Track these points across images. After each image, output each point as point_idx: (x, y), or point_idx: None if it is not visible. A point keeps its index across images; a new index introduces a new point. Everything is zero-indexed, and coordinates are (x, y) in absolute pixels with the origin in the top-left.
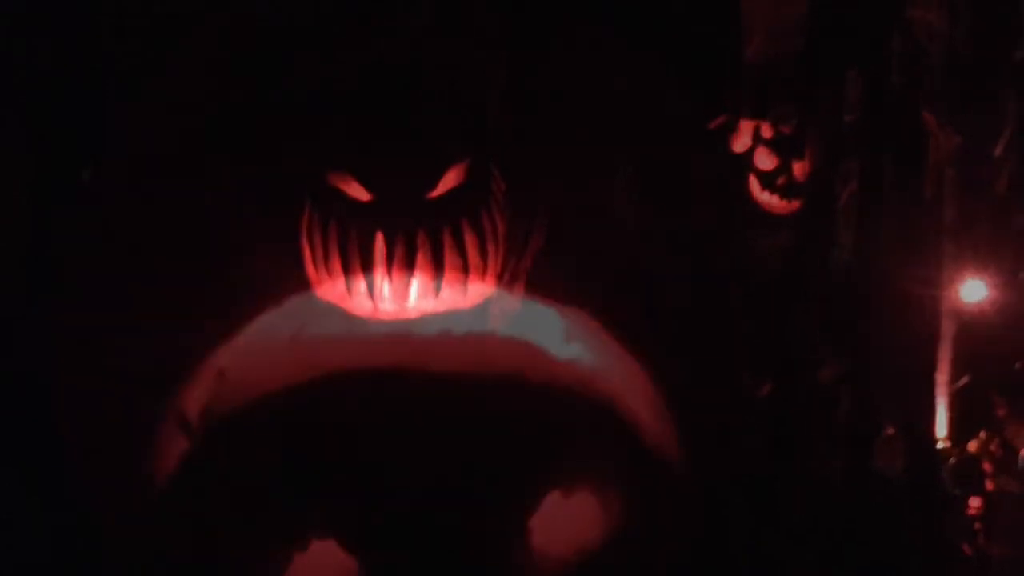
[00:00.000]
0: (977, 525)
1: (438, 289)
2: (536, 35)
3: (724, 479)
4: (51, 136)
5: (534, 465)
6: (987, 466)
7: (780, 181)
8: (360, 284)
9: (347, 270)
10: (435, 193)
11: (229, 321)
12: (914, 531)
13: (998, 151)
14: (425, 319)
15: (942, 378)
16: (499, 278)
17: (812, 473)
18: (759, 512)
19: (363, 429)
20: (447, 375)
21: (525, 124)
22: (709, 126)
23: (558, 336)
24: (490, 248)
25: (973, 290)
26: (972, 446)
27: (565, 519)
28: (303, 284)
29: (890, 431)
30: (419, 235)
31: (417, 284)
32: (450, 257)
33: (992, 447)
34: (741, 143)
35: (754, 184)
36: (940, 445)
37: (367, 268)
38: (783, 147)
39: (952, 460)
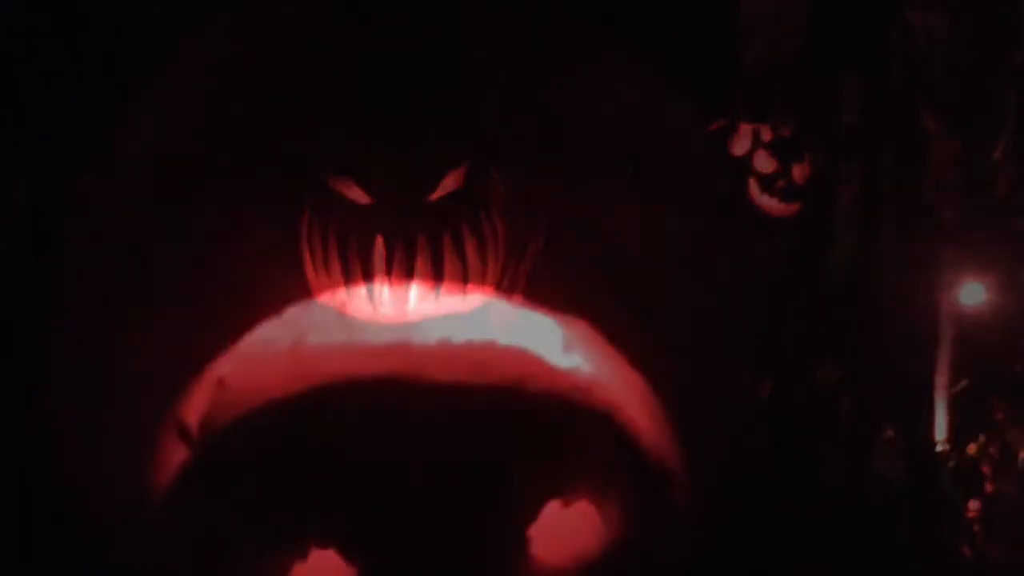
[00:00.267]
0: (976, 528)
1: (438, 293)
2: (537, 36)
3: (725, 488)
4: (51, 137)
5: (533, 474)
6: (986, 469)
7: (779, 184)
8: (360, 289)
9: (347, 274)
10: (435, 196)
11: (229, 330)
12: (913, 533)
13: (998, 154)
14: (425, 325)
15: (941, 381)
16: (499, 283)
17: (811, 475)
18: (759, 514)
19: (363, 438)
20: (446, 384)
21: (525, 128)
22: (708, 129)
23: (557, 345)
24: (490, 252)
25: (973, 293)
26: (971, 449)
27: (564, 528)
28: (303, 292)
29: (889, 433)
30: (419, 239)
31: (417, 288)
32: (450, 261)
33: (991, 450)
34: (740, 146)
35: (753, 187)
36: (939, 448)
37: (367, 272)
38: (783, 150)
39: (951, 463)
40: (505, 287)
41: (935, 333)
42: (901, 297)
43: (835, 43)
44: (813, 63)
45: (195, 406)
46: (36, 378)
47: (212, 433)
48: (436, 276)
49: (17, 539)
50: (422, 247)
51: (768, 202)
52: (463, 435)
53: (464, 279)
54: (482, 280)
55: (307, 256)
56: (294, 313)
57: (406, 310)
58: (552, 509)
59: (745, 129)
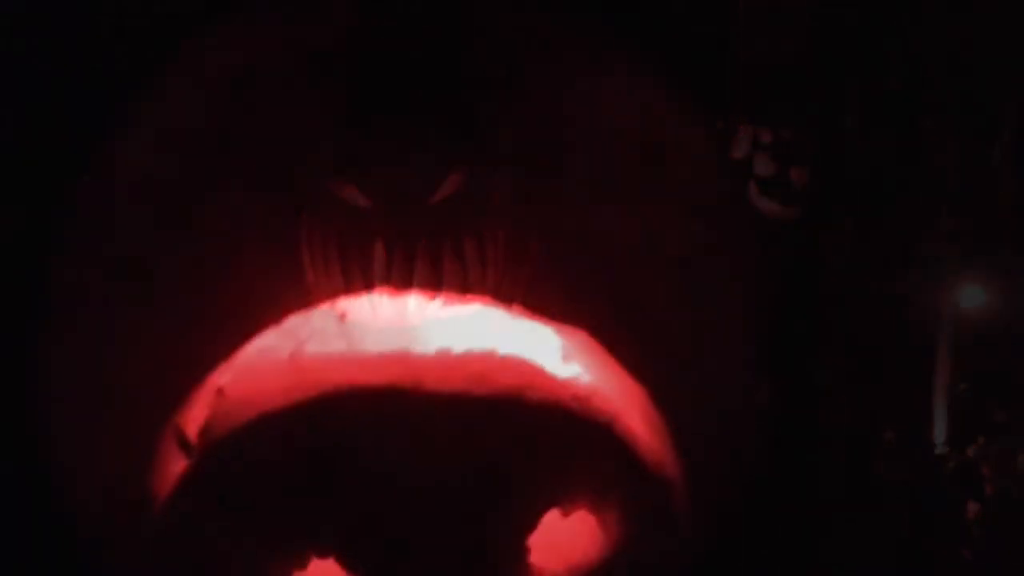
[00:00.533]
0: (976, 530)
1: (438, 301)
2: (537, 38)
3: (725, 497)
4: (51, 137)
5: (533, 483)
6: (986, 471)
7: (779, 187)
8: (360, 297)
9: (347, 281)
10: (435, 200)
11: (228, 339)
12: (913, 536)
13: (997, 156)
14: (425, 334)
15: (941, 383)
16: (499, 291)
17: (811, 478)
18: (758, 518)
19: (362, 447)
20: (446, 393)
21: (525, 132)
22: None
23: (557, 355)
24: (490, 259)
25: (972, 296)
26: (971, 451)
27: (563, 537)
28: (303, 301)
29: (889, 436)
30: (419, 244)
31: (417, 296)
32: (450, 267)
33: (991, 452)
34: (740, 149)
35: (753, 190)
36: (939, 450)
37: (367, 279)
38: (782, 153)
39: (951, 465)
40: (504, 295)
41: (934, 336)
42: (901, 299)
43: (835, 47)
44: (813, 67)
45: (194, 415)
46: (35, 385)
47: (211, 443)
48: (436, 283)
49: (17, 541)
50: (422, 253)
51: (768, 205)
52: (463, 444)
53: (464, 286)
54: (482, 288)
55: (307, 263)
56: (293, 322)
57: (406, 318)
58: (551, 518)
59: (744, 132)
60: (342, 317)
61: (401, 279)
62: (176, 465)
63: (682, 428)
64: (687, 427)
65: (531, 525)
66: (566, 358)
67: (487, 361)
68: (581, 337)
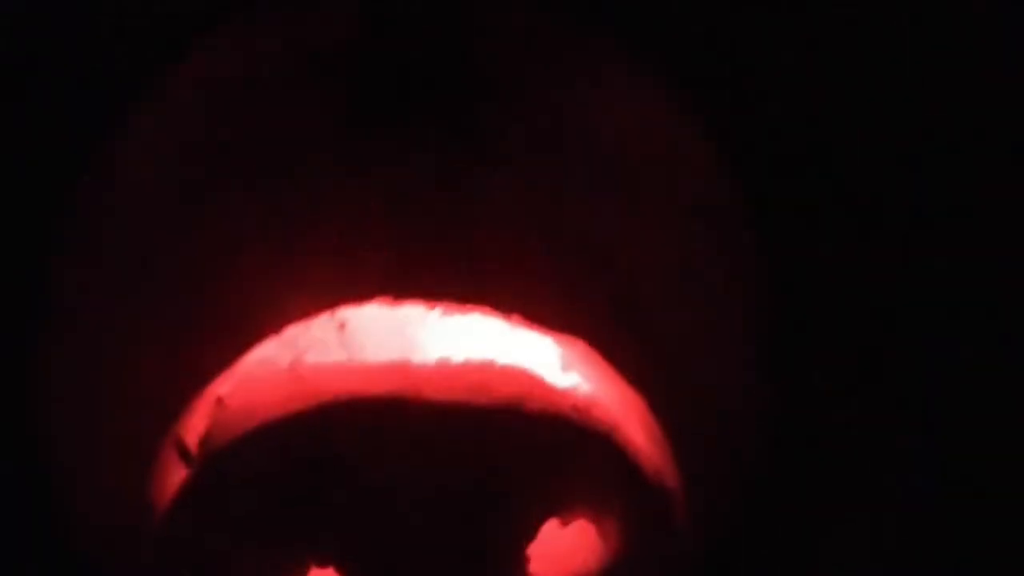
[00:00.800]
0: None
1: (438, 308)
2: (537, 42)
3: (725, 506)
4: (51, 138)
5: (532, 493)
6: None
7: None
8: (360, 304)
9: (346, 291)
10: (435, 206)
11: (229, 349)
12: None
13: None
14: (424, 344)
15: (941, 385)
16: (498, 298)
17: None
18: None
19: (362, 457)
20: (445, 403)
21: (525, 138)
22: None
23: (556, 365)
24: (490, 268)
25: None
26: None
27: (562, 547)
28: (302, 311)
29: (891, 438)
30: (420, 251)
31: (417, 305)
32: (451, 276)
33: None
34: None
35: None
36: (938, 452)
37: (367, 288)
38: None
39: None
40: (503, 305)
41: (934, 338)
42: (900, 302)
43: (835, 49)
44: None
45: (194, 425)
46: (34, 393)
47: (211, 452)
48: (436, 292)
49: (17, 542)
50: (422, 262)
51: None
52: (462, 454)
53: (464, 296)
54: (481, 297)
55: (306, 273)
56: (293, 332)
57: (406, 328)
58: (551, 527)
59: None
60: (342, 327)
61: (401, 288)
62: (176, 475)
63: (682, 437)
64: (687, 436)
65: (530, 534)
66: (565, 368)
67: (487, 371)
68: (580, 347)
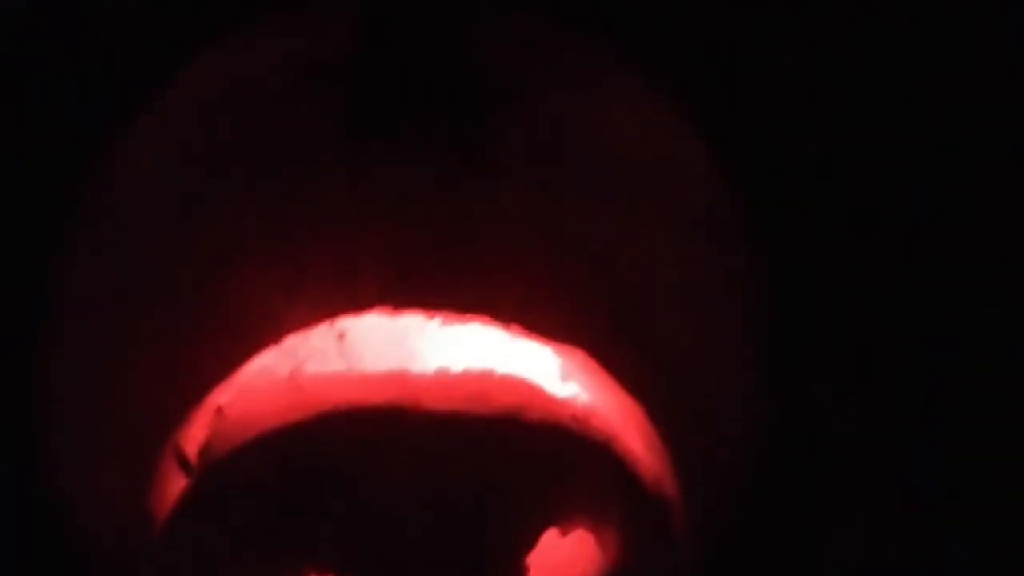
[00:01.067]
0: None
1: (437, 318)
2: (537, 52)
3: (724, 515)
4: (52, 140)
5: (531, 502)
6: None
7: None
8: (359, 314)
9: (346, 301)
10: (435, 215)
11: (229, 358)
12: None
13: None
14: (423, 354)
15: (941, 387)
16: (498, 309)
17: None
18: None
19: (361, 466)
20: (445, 413)
21: (525, 148)
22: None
23: (555, 374)
24: (490, 277)
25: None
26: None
27: (561, 556)
28: (302, 321)
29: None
30: (419, 261)
31: (416, 315)
32: (449, 284)
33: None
34: None
35: None
36: (937, 455)
37: (366, 298)
38: None
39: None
40: (503, 314)
41: (934, 338)
42: (900, 302)
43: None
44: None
45: (194, 435)
46: (34, 400)
47: (211, 462)
48: (436, 302)
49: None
50: (422, 271)
51: None
52: (461, 463)
53: (463, 305)
54: (481, 307)
55: (306, 283)
56: (293, 341)
57: (405, 338)
58: (550, 537)
59: None
60: (341, 337)
61: (400, 298)
62: (175, 484)
63: (681, 447)
64: (686, 446)
65: (529, 543)
66: (565, 378)
67: (486, 380)
68: (580, 357)
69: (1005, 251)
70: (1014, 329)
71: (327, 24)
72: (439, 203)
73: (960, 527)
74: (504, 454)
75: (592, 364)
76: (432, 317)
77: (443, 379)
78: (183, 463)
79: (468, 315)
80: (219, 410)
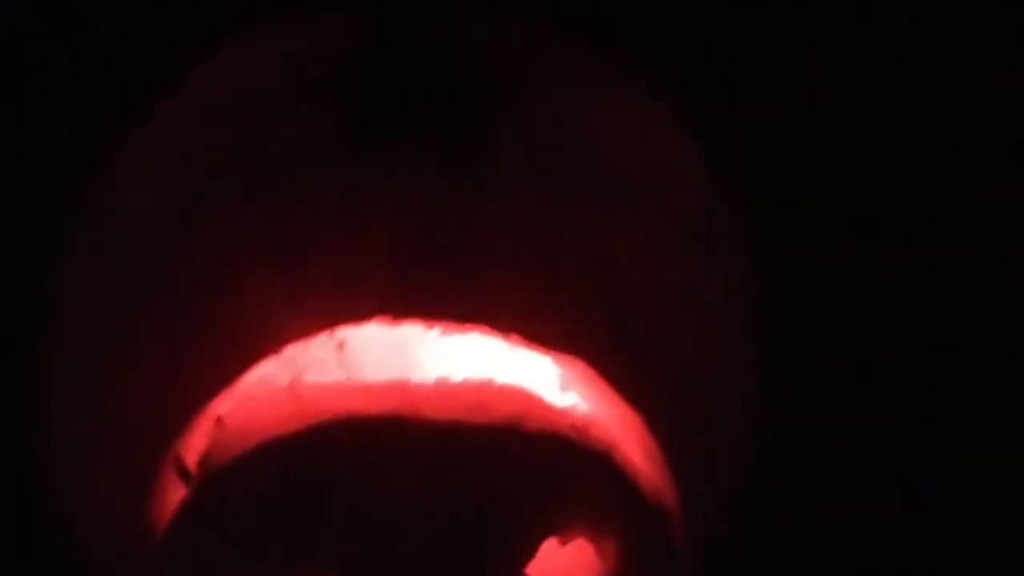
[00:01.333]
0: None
1: (436, 327)
2: (538, 60)
3: (723, 524)
4: (51, 141)
5: (531, 512)
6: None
7: None
8: (359, 323)
9: (345, 311)
10: (434, 225)
11: (229, 368)
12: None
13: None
14: (423, 364)
15: (940, 390)
16: (496, 317)
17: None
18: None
19: (360, 476)
20: (444, 422)
21: (525, 157)
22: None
23: (555, 384)
24: (490, 288)
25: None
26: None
27: (561, 566)
28: (302, 330)
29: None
30: (418, 271)
31: (416, 324)
32: (450, 296)
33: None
34: None
35: None
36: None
37: (366, 308)
38: None
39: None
40: (502, 324)
41: (934, 338)
42: (900, 302)
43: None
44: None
45: (194, 444)
46: (33, 401)
47: (211, 472)
48: (436, 311)
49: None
50: (421, 281)
51: None
52: (461, 472)
53: (462, 315)
54: (480, 316)
55: (306, 293)
56: (293, 351)
57: (405, 348)
58: (549, 546)
59: None
60: (341, 346)
61: (400, 308)
62: (175, 494)
63: (680, 456)
64: (686, 455)
65: (529, 553)
66: (564, 387)
67: (485, 390)
68: (579, 366)
69: (1005, 251)
70: (1014, 329)
71: (327, 27)
72: (439, 213)
73: (960, 527)
74: (504, 463)
75: (591, 374)
76: (432, 327)
77: (443, 389)
78: (183, 473)
79: (468, 325)
80: (219, 420)
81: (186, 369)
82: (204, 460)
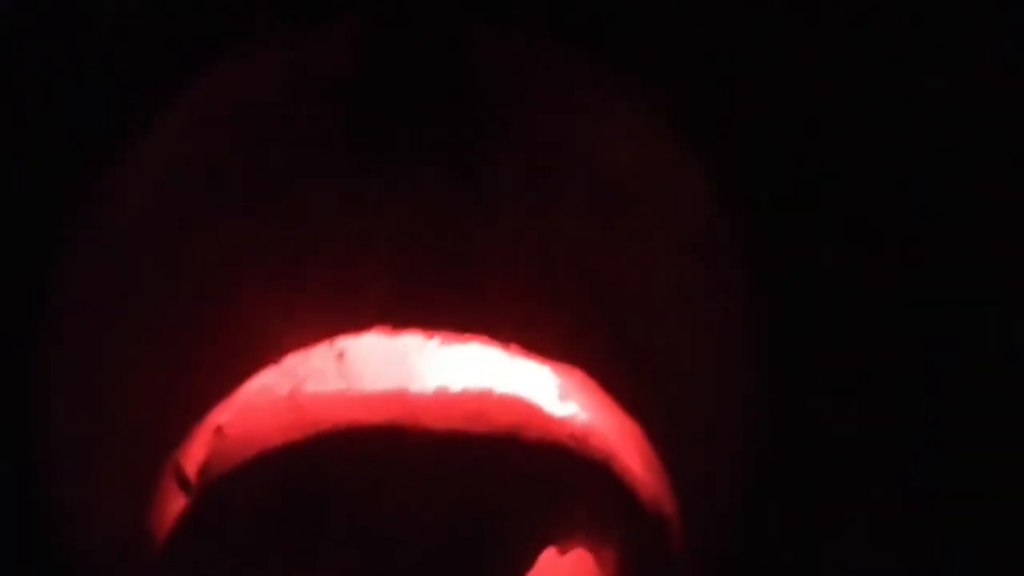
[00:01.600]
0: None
1: (436, 337)
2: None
3: (723, 533)
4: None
5: (530, 522)
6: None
7: None
8: (358, 333)
9: (345, 321)
10: (434, 238)
11: (228, 377)
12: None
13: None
14: (423, 373)
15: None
16: (496, 327)
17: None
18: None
19: (360, 485)
20: (444, 432)
21: (524, 169)
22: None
23: (553, 393)
24: (488, 295)
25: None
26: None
27: (560, 575)
28: (302, 340)
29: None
30: (418, 281)
31: (415, 335)
32: (448, 304)
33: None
34: None
35: None
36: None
37: (366, 318)
38: None
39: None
40: (501, 334)
41: (932, 343)
42: (900, 302)
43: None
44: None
45: (194, 454)
46: (33, 401)
47: (210, 481)
48: (435, 321)
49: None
50: (420, 291)
51: None
52: (460, 482)
53: (462, 325)
54: (479, 326)
55: (305, 303)
56: (292, 361)
57: (404, 358)
58: (548, 556)
59: None
60: (340, 356)
61: (399, 318)
62: (175, 504)
63: (679, 465)
64: (684, 464)
65: (528, 562)
66: (563, 397)
67: (484, 400)
68: (578, 376)
69: (1005, 251)
70: (1014, 329)
71: (327, 38)
72: (438, 223)
73: (960, 527)
74: (503, 473)
75: (590, 383)
76: (431, 337)
77: (442, 398)
78: (182, 482)
79: (467, 334)
80: (219, 429)
81: (186, 379)
82: (204, 469)
